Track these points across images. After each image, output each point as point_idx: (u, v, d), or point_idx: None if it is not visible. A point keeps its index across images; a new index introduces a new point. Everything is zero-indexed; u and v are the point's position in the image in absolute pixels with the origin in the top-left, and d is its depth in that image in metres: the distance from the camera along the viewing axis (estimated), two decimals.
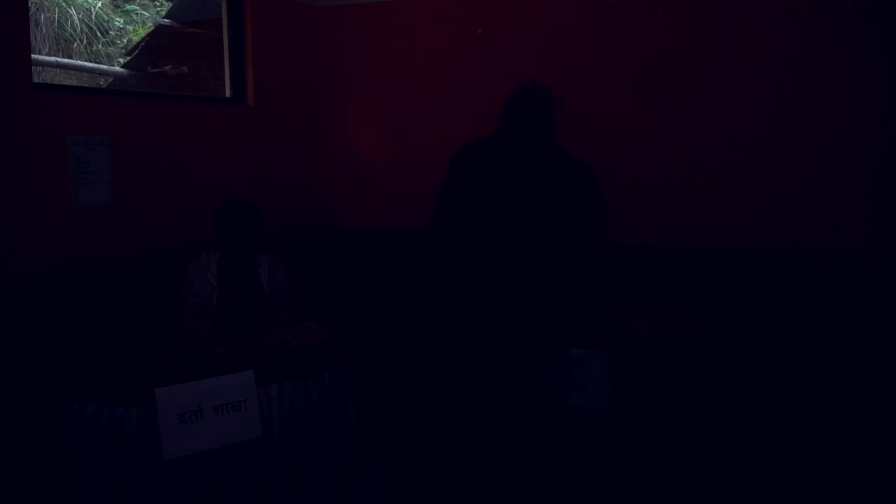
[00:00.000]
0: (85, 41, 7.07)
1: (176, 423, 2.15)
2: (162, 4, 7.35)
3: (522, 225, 2.65)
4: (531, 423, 2.65)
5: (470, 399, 2.69)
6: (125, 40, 7.38)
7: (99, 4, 7.25)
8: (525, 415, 2.65)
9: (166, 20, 5.93)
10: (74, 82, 6.07)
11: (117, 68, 6.42)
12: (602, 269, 3.11)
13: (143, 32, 6.99)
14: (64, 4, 6.98)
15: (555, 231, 2.67)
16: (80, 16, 7.08)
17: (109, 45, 7.29)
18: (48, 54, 6.64)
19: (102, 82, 6.28)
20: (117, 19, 7.50)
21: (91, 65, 6.52)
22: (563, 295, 2.74)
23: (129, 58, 6.23)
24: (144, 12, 7.57)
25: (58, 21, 6.93)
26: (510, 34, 3.71)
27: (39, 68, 5.95)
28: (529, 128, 2.70)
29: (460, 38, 3.84)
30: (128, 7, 7.60)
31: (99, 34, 7.20)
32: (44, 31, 6.80)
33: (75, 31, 7.02)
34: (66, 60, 6.43)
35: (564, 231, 2.69)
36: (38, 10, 6.66)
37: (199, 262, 2.98)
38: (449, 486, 2.75)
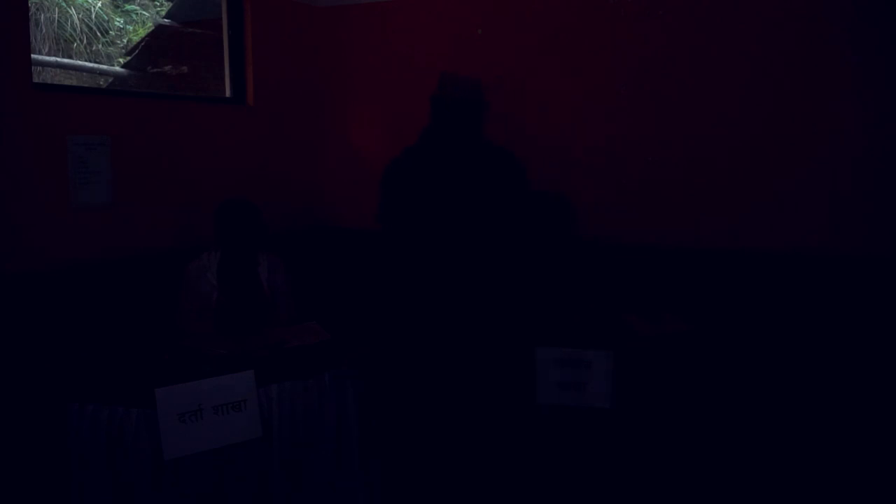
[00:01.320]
0: (85, 41, 7.07)
1: (176, 423, 2.15)
2: (162, 4, 7.35)
3: (463, 226, 2.63)
4: (510, 422, 2.65)
5: (448, 400, 2.69)
6: (125, 40, 7.38)
7: (99, 4, 7.25)
8: (500, 414, 2.64)
9: (166, 20, 5.94)
10: (74, 82, 6.07)
11: (117, 68, 6.43)
12: (574, 263, 3.08)
13: (143, 32, 7.00)
14: (64, 4, 6.98)
15: (495, 226, 2.65)
16: (80, 16, 7.08)
17: (109, 45, 7.30)
18: (48, 54, 6.64)
19: (102, 82, 6.28)
20: (117, 19, 7.51)
21: (91, 65, 6.52)
22: (524, 291, 2.73)
23: (129, 58, 6.24)
24: (144, 12, 7.57)
25: (58, 21, 6.93)
26: (510, 34, 3.71)
27: (39, 68, 5.95)
28: (451, 129, 2.69)
29: (460, 38, 3.84)
30: (128, 7, 7.60)
31: (99, 34, 7.20)
32: (44, 31, 6.80)
33: (75, 31, 7.03)
34: (66, 60, 6.44)
35: (504, 224, 2.67)
36: (38, 10, 6.66)
37: (199, 263, 2.98)
38: (449, 486, 2.75)
